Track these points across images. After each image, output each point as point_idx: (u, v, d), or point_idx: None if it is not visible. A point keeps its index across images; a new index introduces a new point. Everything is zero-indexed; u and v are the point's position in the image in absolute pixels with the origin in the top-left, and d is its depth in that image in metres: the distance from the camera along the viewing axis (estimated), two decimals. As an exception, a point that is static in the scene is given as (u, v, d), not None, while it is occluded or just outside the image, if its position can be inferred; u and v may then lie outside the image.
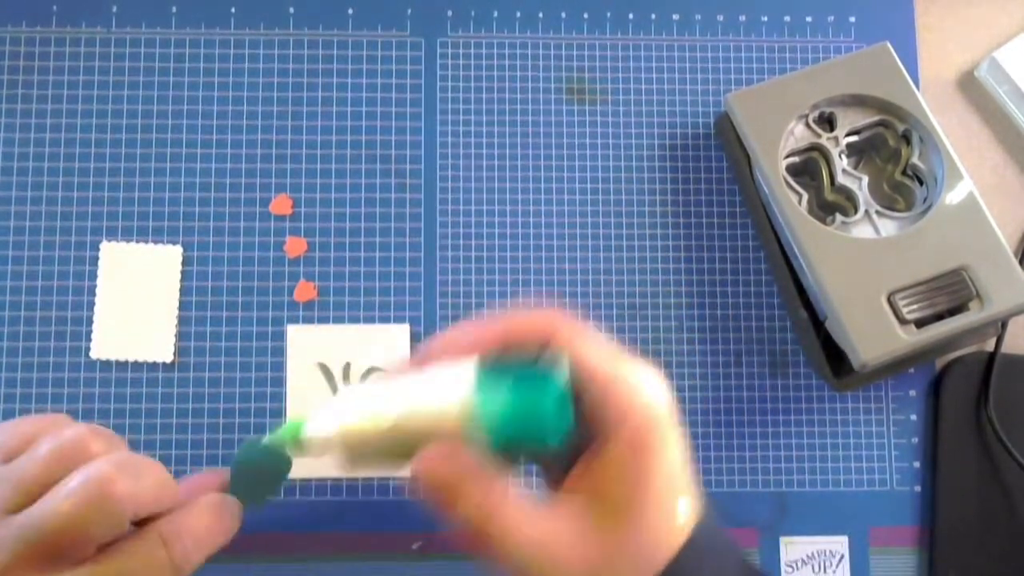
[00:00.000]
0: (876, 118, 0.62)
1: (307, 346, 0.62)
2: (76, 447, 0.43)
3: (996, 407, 0.62)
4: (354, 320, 0.63)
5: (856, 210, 0.60)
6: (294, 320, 0.62)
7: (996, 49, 0.67)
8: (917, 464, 0.63)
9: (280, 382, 0.62)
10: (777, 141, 0.61)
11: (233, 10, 0.66)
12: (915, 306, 0.57)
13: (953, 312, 0.57)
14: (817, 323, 0.61)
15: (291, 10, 0.66)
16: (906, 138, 0.62)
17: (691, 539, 0.43)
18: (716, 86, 0.67)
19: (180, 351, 0.62)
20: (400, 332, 0.62)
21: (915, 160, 0.61)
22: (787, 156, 0.61)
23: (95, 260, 0.62)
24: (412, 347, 0.62)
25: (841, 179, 0.61)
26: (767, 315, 0.64)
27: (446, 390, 0.43)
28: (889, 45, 0.62)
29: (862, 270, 0.58)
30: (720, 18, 0.68)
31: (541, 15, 0.67)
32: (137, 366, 0.62)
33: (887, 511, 0.62)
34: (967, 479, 0.62)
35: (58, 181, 0.63)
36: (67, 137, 0.64)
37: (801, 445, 0.63)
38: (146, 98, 0.65)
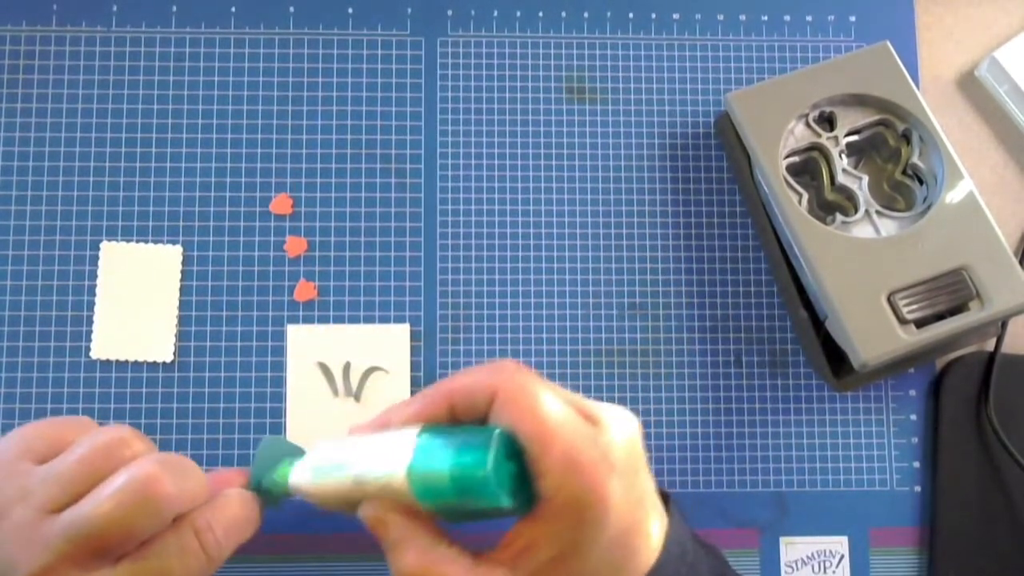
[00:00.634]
0: (876, 118, 0.62)
1: (307, 346, 0.62)
2: (119, 446, 0.44)
3: (996, 407, 0.62)
4: (354, 320, 0.63)
5: (856, 210, 0.60)
6: (294, 320, 0.62)
7: (996, 49, 0.67)
8: (917, 464, 0.63)
9: (280, 382, 0.62)
10: (777, 141, 0.61)
11: (233, 9, 0.66)
12: (915, 306, 0.57)
13: (953, 312, 0.57)
14: (817, 323, 0.60)
15: (291, 9, 0.66)
16: (906, 138, 0.62)
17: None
18: (716, 85, 0.67)
19: (180, 351, 0.62)
20: (400, 332, 0.63)
21: (915, 160, 0.61)
22: (787, 156, 0.61)
23: (95, 260, 0.62)
24: (412, 347, 0.62)
25: (841, 179, 0.61)
26: (767, 315, 0.64)
27: (390, 457, 0.44)
28: (889, 45, 0.62)
29: (862, 270, 0.58)
30: (720, 17, 0.68)
31: (541, 14, 0.67)
32: (137, 366, 0.62)
33: (887, 511, 0.62)
34: (967, 479, 0.62)
35: (58, 181, 0.63)
36: (67, 137, 0.64)
37: (801, 445, 0.63)
38: (146, 98, 0.65)
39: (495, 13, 0.67)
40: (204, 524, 0.45)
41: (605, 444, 0.43)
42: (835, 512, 0.62)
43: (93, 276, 0.62)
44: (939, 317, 0.57)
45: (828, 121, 0.62)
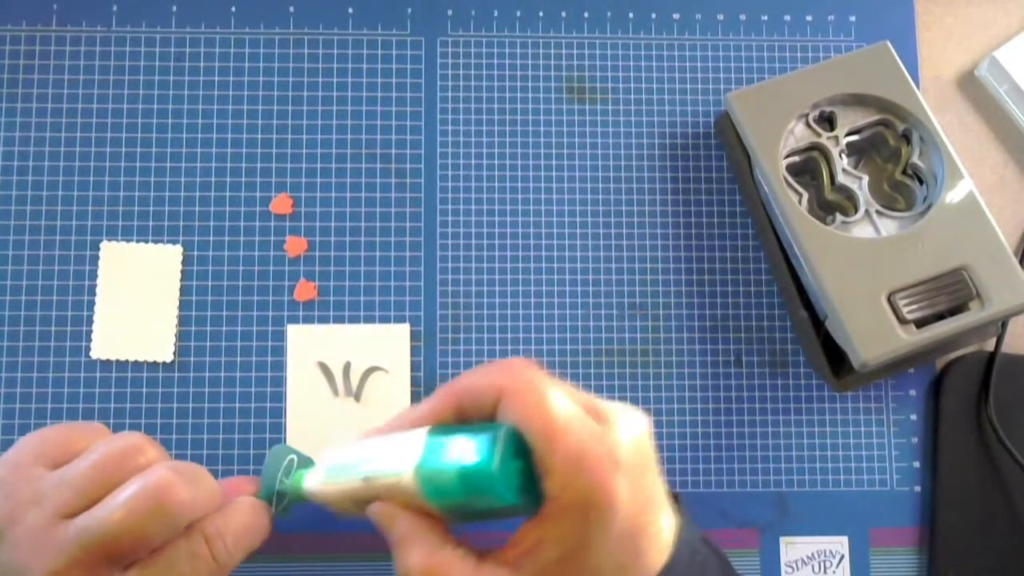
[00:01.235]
0: (876, 117, 0.62)
1: (307, 346, 0.62)
2: (133, 453, 0.45)
3: (996, 407, 0.62)
4: (354, 320, 0.63)
5: (856, 210, 0.60)
6: (294, 320, 0.62)
7: (996, 48, 0.67)
8: (917, 464, 0.63)
9: (280, 382, 0.62)
10: (777, 140, 0.61)
11: (233, 9, 0.66)
12: (915, 306, 0.57)
13: (953, 312, 0.57)
14: (817, 323, 0.60)
15: (291, 9, 0.66)
16: (906, 137, 0.62)
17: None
18: (716, 85, 0.67)
19: (180, 351, 0.62)
20: (400, 332, 0.63)
21: (915, 159, 0.61)
22: (787, 156, 0.61)
23: (95, 260, 0.62)
24: (412, 347, 0.62)
25: (841, 179, 0.61)
26: (767, 315, 0.64)
27: (399, 456, 0.45)
28: (889, 44, 0.62)
29: (862, 270, 0.58)
30: (720, 17, 0.68)
31: (541, 14, 0.67)
32: (137, 366, 0.62)
33: (887, 511, 0.62)
34: (967, 479, 0.62)
35: (58, 181, 0.63)
36: (67, 137, 0.64)
37: (801, 445, 0.63)
38: (146, 98, 0.65)
39: (495, 13, 0.67)
40: (215, 531, 0.45)
41: (612, 442, 0.43)
42: (835, 512, 0.62)
43: (93, 276, 0.62)
44: (939, 317, 0.57)
45: (828, 121, 0.62)
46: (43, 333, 0.62)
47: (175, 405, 0.61)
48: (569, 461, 0.42)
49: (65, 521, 0.43)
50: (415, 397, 0.62)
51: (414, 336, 0.63)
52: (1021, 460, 0.60)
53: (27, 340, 0.62)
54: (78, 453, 0.45)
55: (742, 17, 0.68)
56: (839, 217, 0.60)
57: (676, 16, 0.68)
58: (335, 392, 0.61)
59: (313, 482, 0.48)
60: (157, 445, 0.46)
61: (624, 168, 0.66)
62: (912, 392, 0.64)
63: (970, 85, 0.68)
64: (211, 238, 0.63)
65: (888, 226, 0.60)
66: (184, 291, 0.62)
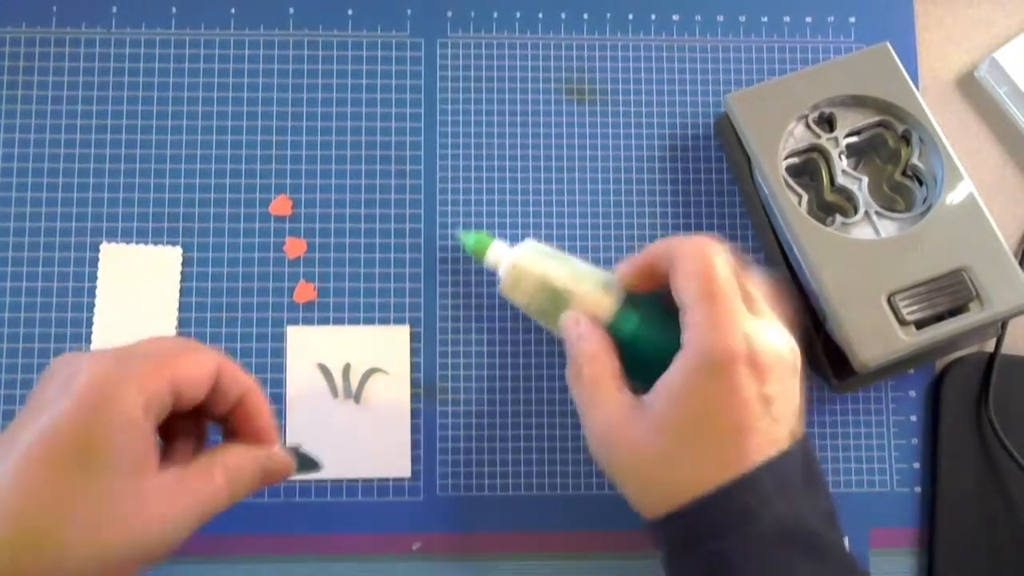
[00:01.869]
0: (876, 119, 0.62)
1: (307, 347, 0.62)
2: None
3: (996, 407, 0.62)
4: (354, 321, 0.63)
5: (856, 211, 0.60)
6: (294, 321, 0.62)
7: (996, 49, 0.67)
8: (917, 465, 0.63)
9: (280, 383, 0.62)
10: (777, 142, 0.61)
11: (233, 11, 0.66)
12: (915, 307, 0.57)
13: (953, 313, 0.57)
14: (817, 323, 0.60)
15: (291, 11, 0.66)
16: (906, 139, 0.62)
17: (750, 476, 0.47)
18: (716, 86, 0.67)
19: (180, 352, 0.62)
20: (400, 332, 0.63)
21: (915, 160, 0.61)
22: (787, 157, 0.61)
23: (95, 260, 0.62)
24: (412, 347, 0.62)
25: (841, 180, 0.61)
26: (767, 316, 0.64)
27: (607, 286, 0.55)
28: (889, 45, 0.62)
29: (862, 271, 0.58)
30: (720, 18, 0.68)
31: (541, 15, 0.67)
32: (137, 367, 0.62)
33: (887, 512, 0.62)
34: (967, 480, 0.62)
35: (58, 181, 0.63)
36: (67, 137, 0.64)
37: (801, 446, 0.63)
38: (146, 98, 0.65)
39: (495, 14, 0.67)
40: (235, 465, 0.48)
41: (749, 331, 0.49)
42: (835, 513, 0.62)
43: (93, 277, 0.62)
44: (939, 318, 0.57)
45: (828, 122, 0.62)
46: (43, 334, 0.62)
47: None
48: (690, 336, 0.49)
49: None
50: (415, 398, 0.62)
51: (414, 337, 0.63)
52: (1021, 460, 0.60)
53: (27, 341, 0.61)
54: None
55: (742, 18, 0.68)
56: (839, 218, 0.60)
57: (676, 17, 0.68)
58: (335, 393, 0.61)
59: (504, 256, 0.58)
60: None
61: (624, 169, 0.66)
62: (912, 393, 0.64)
63: (970, 86, 0.68)
64: (211, 239, 0.63)
65: (888, 227, 0.60)
66: (184, 292, 0.62)
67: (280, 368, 0.62)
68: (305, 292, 0.63)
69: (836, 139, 0.62)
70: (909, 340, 0.56)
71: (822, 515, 0.49)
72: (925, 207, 0.60)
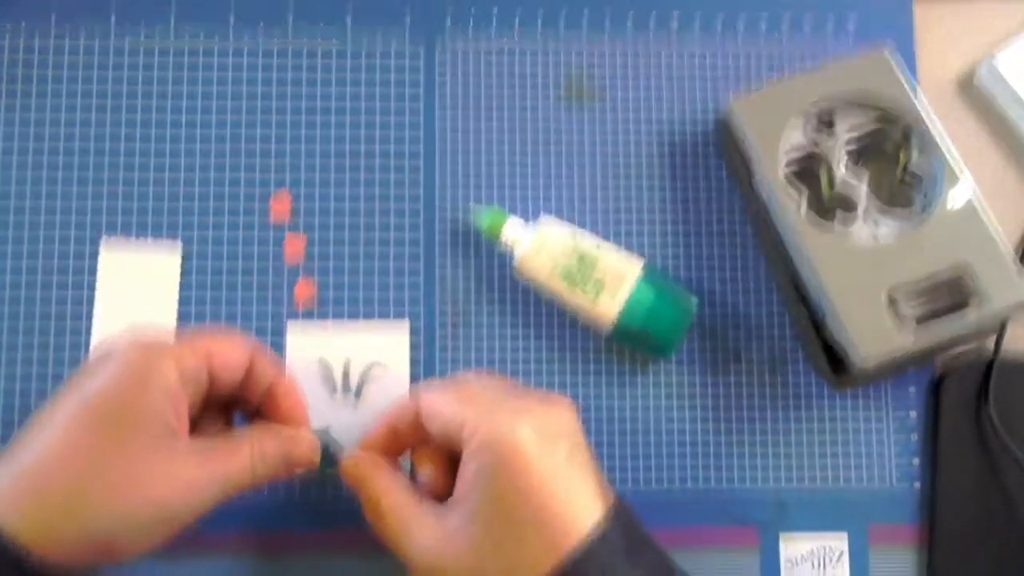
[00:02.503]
0: (876, 120, 0.62)
1: (307, 343, 0.62)
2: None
3: (996, 406, 0.62)
4: (353, 317, 0.63)
5: (856, 212, 0.60)
6: (293, 317, 0.62)
7: (996, 51, 0.67)
8: (916, 461, 0.63)
9: (280, 380, 0.62)
10: (777, 143, 0.61)
11: (233, 11, 0.66)
12: (915, 306, 0.57)
13: (953, 311, 0.57)
14: (817, 323, 0.61)
15: (291, 13, 0.67)
16: (906, 140, 0.62)
17: (568, 564, 0.46)
18: (715, 89, 0.67)
19: (179, 349, 0.62)
20: (400, 328, 0.63)
21: (915, 162, 0.61)
22: (787, 158, 0.61)
23: (95, 260, 0.62)
24: (412, 342, 0.62)
25: (841, 181, 0.61)
26: (767, 315, 0.64)
27: (628, 259, 0.60)
28: (889, 47, 0.62)
29: (862, 271, 0.58)
30: (719, 21, 0.68)
31: (540, 19, 0.68)
32: (136, 364, 0.62)
33: (887, 508, 0.62)
34: (967, 477, 0.62)
35: (58, 181, 0.63)
36: (67, 137, 0.64)
37: (801, 443, 0.63)
38: (145, 99, 0.65)
39: (495, 16, 0.67)
40: (259, 448, 0.51)
41: (521, 415, 0.50)
42: (835, 509, 0.62)
43: (93, 276, 0.62)
44: (939, 317, 0.57)
45: (828, 124, 0.63)
46: (43, 328, 0.62)
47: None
48: (471, 429, 0.49)
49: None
50: (415, 395, 0.62)
51: (414, 332, 0.63)
52: (1021, 459, 0.60)
53: (27, 335, 0.61)
54: None
55: (741, 21, 0.68)
56: (839, 219, 0.60)
57: (675, 19, 0.68)
58: (335, 389, 0.61)
59: (518, 232, 0.61)
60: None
61: (623, 171, 0.66)
62: (911, 389, 0.64)
63: (969, 87, 0.69)
64: (211, 236, 0.63)
65: (888, 228, 0.60)
66: (184, 288, 0.62)
67: (280, 364, 0.62)
68: (305, 289, 0.63)
69: (836, 141, 0.62)
70: (909, 339, 0.56)
71: (664, 570, 0.49)
72: (925, 208, 0.60)
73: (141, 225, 0.63)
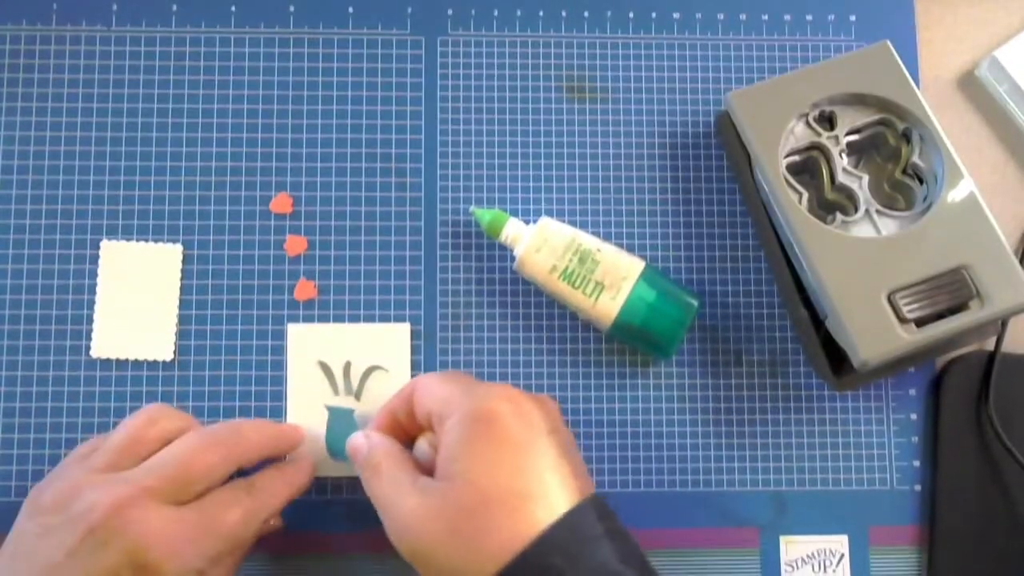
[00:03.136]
0: (876, 117, 0.62)
1: (307, 345, 0.62)
2: (156, 413, 0.55)
3: (996, 406, 0.62)
4: (354, 319, 0.63)
5: (856, 209, 0.60)
6: (294, 319, 0.62)
7: (996, 48, 0.67)
8: (917, 463, 0.63)
9: (280, 381, 0.62)
10: (777, 140, 0.61)
11: (233, 9, 0.66)
12: (915, 305, 0.57)
13: (953, 311, 0.57)
14: (817, 322, 0.60)
15: (291, 9, 0.66)
16: (906, 137, 0.62)
17: (538, 543, 0.47)
18: (716, 85, 0.67)
19: (180, 350, 0.62)
20: (401, 331, 0.63)
21: (915, 159, 0.61)
22: (787, 155, 0.61)
23: (95, 260, 0.62)
24: (412, 346, 0.62)
25: (841, 178, 0.61)
26: (767, 315, 0.64)
27: (628, 258, 0.60)
28: (889, 44, 0.62)
29: (862, 269, 0.58)
30: (721, 17, 0.68)
31: (541, 14, 0.67)
32: (137, 365, 0.62)
33: (887, 510, 0.62)
34: (967, 478, 0.62)
35: (58, 181, 0.63)
36: (67, 135, 0.64)
37: (801, 444, 0.63)
38: (146, 98, 0.65)
39: (495, 12, 0.67)
40: (258, 487, 0.54)
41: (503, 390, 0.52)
42: (835, 511, 0.62)
43: (93, 276, 0.62)
44: (939, 316, 0.57)
45: (828, 120, 0.62)
46: (43, 332, 0.62)
47: (175, 404, 0.61)
48: (461, 398, 0.52)
49: (120, 471, 0.51)
50: (415, 396, 0.62)
51: (414, 335, 0.63)
52: (1021, 460, 0.60)
53: (27, 340, 0.62)
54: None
55: (742, 16, 0.68)
56: (839, 216, 0.60)
57: (676, 15, 0.68)
58: (335, 391, 0.61)
59: (520, 231, 0.61)
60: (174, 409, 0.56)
61: (624, 168, 0.66)
62: (912, 391, 0.64)
63: (970, 85, 0.68)
64: (211, 237, 0.63)
65: (888, 225, 0.60)
66: (184, 291, 0.63)
67: (280, 366, 0.62)
68: (305, 290, 0.63)
69: (837, 137, 0.62)
70: (909, 338, 0.56)
71: (637, 560, 0.49)
72: (925, 205, 0.60)
73: (142, 227, 0.63)
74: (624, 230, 0.65)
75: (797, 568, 0.61)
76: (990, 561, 0.61)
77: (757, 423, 0.63)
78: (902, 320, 0.57)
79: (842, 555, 0.61)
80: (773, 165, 0.60)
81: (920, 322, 0.57)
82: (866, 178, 0.61)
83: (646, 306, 0.59)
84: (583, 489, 0.50)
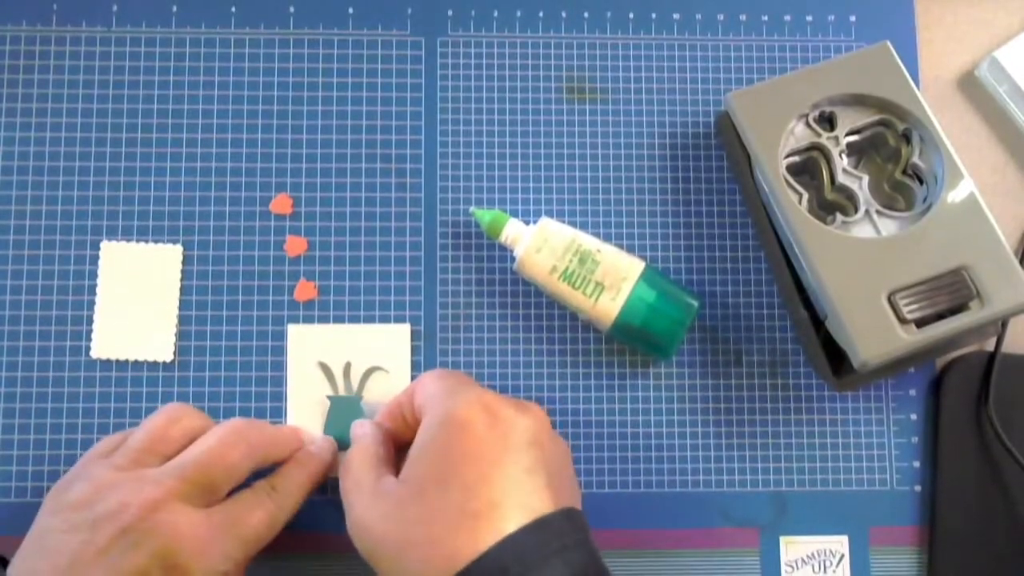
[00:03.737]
0: (876, 117, 0.62)
1: (307, 345, 0.62)
2: (176, 412, 0.56)
3: (996, 407, 0.62)
4: (354, 319, 0.63)
5: (856, 209, 0.60)
6: (294, 319, 0.63)
7: (996, 48, 0.67)
8: (917, 464, 0.63)
9: (280, 382, 0.62)
10: (777, 140, 0.61)
11: (233, 9, 0.66)
12: (915, 305, 0.57)
13: (953, 312, 0.57)
14: (817, 323, 0.60)
15: (291, 9, 0.66)
16: (906, 137, 0.62)
17: (478, 562, 0.46)
18: (716, 85, 0.67)
19: (180, 350, 0.62)
20: (400, 332, 0.63)
21: (915, 159, 0.61)
22: (787, 155, 0.61)
23: (95, 260, 0.63)
24: (412, 347, 0.62)
25: (841, 178, 0.61)
26: (767, 315, 0.64)
27: (628, 259, 0.60)
28: (889, 44, 0.62)
29: (862, 270, 0.58)
30: (720, 17, 0.68)
31: (541, 14, 0.67)
32: (137, 366, 0.62)
33: (887, 511, 0.62)
34: (967, 479, 0.62)
35: (58, 181, 0.63)
36: (67, 137, 0.64)
37: (801, 445, 0.63)
38: (146, 98, 0.65)
39: (495, 13, 0.67)
40: (278, 485, 0.55)
41: (482, 395, 0.53)
42: (835, 511, 0.62)
43: (93, 276, 0.62)
44: (939, 317, 0.57)
45: (828, 121, 0.62)
46: (43, 333, 0.62)
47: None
48: (439, 396, 0.53)
49: (145, 468, 0.52)
50: (415, 397, 0.62)
51: (414, 336, 0.63)
52: (1021, 460, 0.60)
53: (27, 340, 0.62)
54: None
55: (742, 17, 0.68)
56: (839, 217, 0.60)
57: (676, 16, 0.68)
58: (335, 392, 0.61)
59: (521, 231, 0.61)
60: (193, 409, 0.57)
61: (624, 168, 0.66)
62: (912, 392, 0.64)
63: (970, 85, 0.68)
64: (211, 238, 0.63)
65: (888, 226, 0.60)
66: (184, 291, 0.63)
67: (280, 367, 0.62)
68: (305, 291, 0.63)
69: (836, 138, 0.62)
70: (909, 339, 0.56)
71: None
72: (925, 206, 0.60)
73: (142, 228, 0.63)
74: (624, 230, 0.65)
75: (797, 568, 0.61)
76: (990, 561, 0.61)
77: (757, 423, 0.63)
78: (902, 320, 0.57)
79: (842, 556, 0.61)
80: (773, 165, 0.60)
81: (920, 323, 0.57)
82: (866, 178, 0.61)
83: (646, 306, 0.59)
84: (557, 501, 0.49)
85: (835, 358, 0.60)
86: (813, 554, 0.61)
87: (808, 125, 0.62)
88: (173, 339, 0.62)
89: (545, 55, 0.67)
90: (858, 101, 0.62)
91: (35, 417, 0.61)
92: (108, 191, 0.63)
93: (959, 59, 0.69)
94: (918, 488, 0.63)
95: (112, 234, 0.63)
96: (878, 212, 0.60)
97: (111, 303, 0.62)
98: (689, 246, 0.65)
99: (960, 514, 0.61)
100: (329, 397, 0.61)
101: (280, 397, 0.62)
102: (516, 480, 0.49)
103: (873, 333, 0.56)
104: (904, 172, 0.62)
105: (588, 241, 0.60)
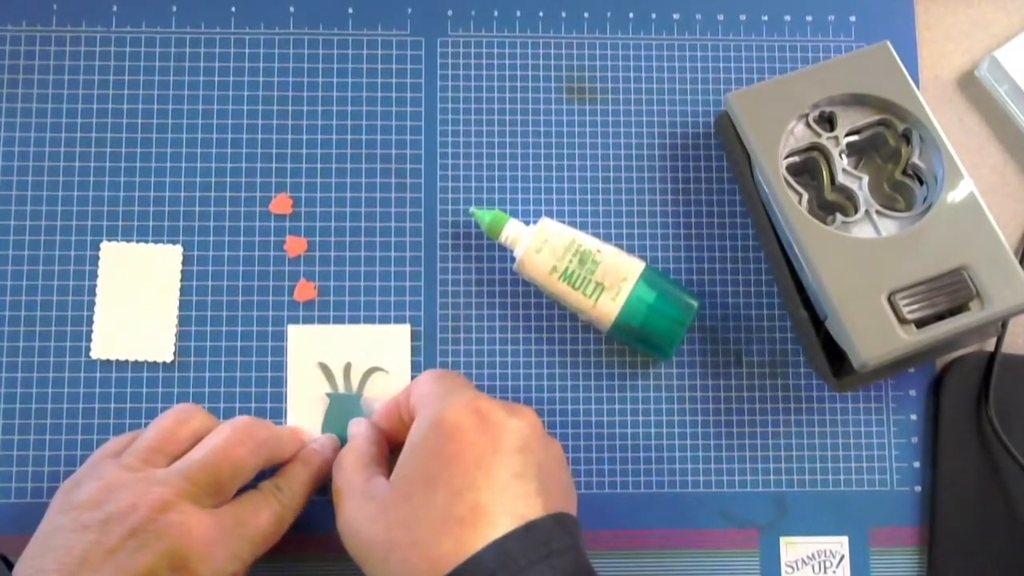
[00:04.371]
0: (876, 117, 0.62)
1: (307, 346, 0.62)
2: (184, 412, 0.57)
3: (996, 407, 0.62)
4: (354, 320, 0.63)
5: (856, 210, 0.60)
6: (294, 320, 0.63)
7: (996, 48, 0.67)
8: (917, 464, 0.63)
9: (280, 382, 0.62)
10: (777, 141, 0.61)
11: (233, 9, 0.66)
12: (915, 306, 0.57)
13: (953, 312, 0.57)
14: (817, 323, 0.60)
15: (291, 9, 0.66)
16: (906, 137, 0.62)
17: (461, 568, 0.46)
18: (716, 85, 0.67)
19: (180, 351, 0.62)
20: (400, 332, 0.63)
21: (915, 159, 0.61)
22: (787, 156, 0.61)
23: (95, 260, 0.63)
24: (412, 347, 0.62)
25: (841, 179, 0.61)
26: (767, 315, 0.64)
27: (628, 259, 0.60)
28: (889, 44, 0.62)
29: (862, 270, 0.58)
30: (720, 17, 0.68)
31: (541, 14, 0.67)
32: (137, 366, 0.62)
33: (887, 511, 0.62)
34: (967, 479, 0.62)
35: (58, 181, 0.63)
36: (67, 137, 0.64)
37: (801, 445, 0.63)
38: (146, 98, 0.65)
39: (495, 13, 0.67)
40: (282, 485, 0.55)
41: (476, 398, 0.52)
42: (835, 512, 0.62)
43: (93, 276, 0.62)
44: (939, 317, 0.57)
45: (828, 121, 0.62)
46: (43, 333, 0.62)
47: (175, 405, 0.61)
48: (432, 397, 0.53)
49: (154, 468, 0.52)
50: (415, 397, 0.62)
51: (414, 336, 0.63)
52: (1021, 460, 0.60)
53: (27, 340, 0.62)
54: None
55: (742, 17, 0.68)
56: (839, 217, 0.60)
57: (676, 16, 0.68)
58: (335, 392, 0.61)
59: (520, 231, 0.61)
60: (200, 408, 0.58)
61: (624, 168, 0.66)
62: (912, 392, 0.64)
63: (970, 85, 0.68)
64: (211, 238, 0.63)
65: (888, 226, 0.60)
66: (184, 291, 0.63)
67: (280, 367, 0.62)
68: (305, 291, 0.63)
69: (836, 138, 0.62)
70: (909, 339, 0.56)
71: None
72: (925, 206, 0.60)
73: (142, 229, 0.63)
74: (624, 230, 0.65)
75: (797, 569, 0.61)
76: (990, 561, 0.61)
77: (757, 424, 0.63)
78: (902, 321, 0.57)
79: (842, 556, 0.61)
80: (773, 166, 0.60)
81: (920, 323, 0.57)
82: (866, 179, 0.61)
83: (646, 307, 0.59)
84: (547, 506, 0.49)
85: (835, 358, 0.60)
86: (813, 554, 0.61)
87: (808, 125, 0.62)
88: (173, 339, 0.62)
89: (545, 55, 0.67)
90: (858, 101, 0.62)
91: (35, 417, 0.61)
92: (108, 191, 0.63)
93: (959, 59, 0.69)
94: (918, 488, 0.63)
95: (112, 234, 0.63)
96: (878, 212, 0.60)
97: (111, 303, 0.62)
98: (689, 246, 0.65)
99: (960, 514, 0.61)
100: (328, 394, 0.61)
101: (280, 397, 0.62)
102: (504, 485, 0.48)
103: (873, 333, 0.56)
104: (904, 172, 0.62)
105: (588, 241, 0.60)
